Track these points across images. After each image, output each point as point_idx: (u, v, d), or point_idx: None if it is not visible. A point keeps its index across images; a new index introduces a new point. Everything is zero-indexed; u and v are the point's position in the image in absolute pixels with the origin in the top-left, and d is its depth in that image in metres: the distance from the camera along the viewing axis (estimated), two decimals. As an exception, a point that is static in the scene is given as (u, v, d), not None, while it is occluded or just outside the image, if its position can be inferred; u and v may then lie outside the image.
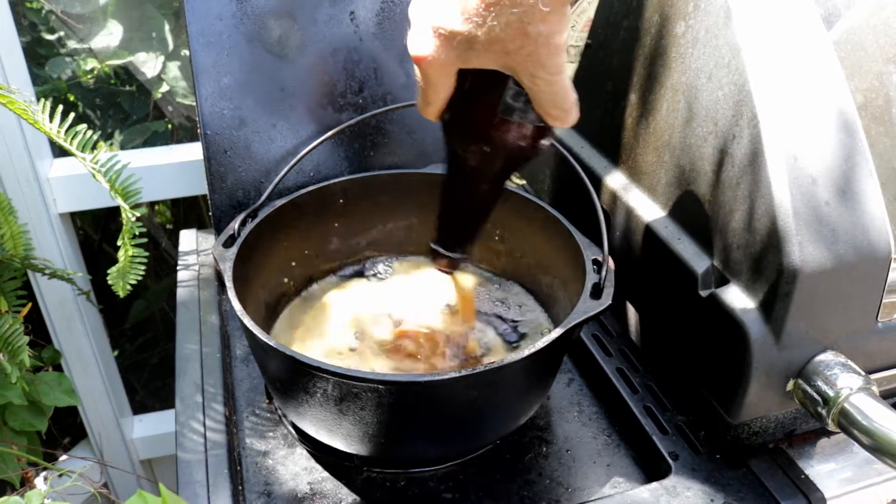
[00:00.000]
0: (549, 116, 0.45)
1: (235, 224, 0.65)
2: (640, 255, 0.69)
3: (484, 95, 0.45)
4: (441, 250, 0.57)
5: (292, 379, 0.56)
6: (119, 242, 0.74)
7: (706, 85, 0.60)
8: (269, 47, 0.80)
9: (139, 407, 1.25)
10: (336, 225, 0.77)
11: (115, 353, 1.20)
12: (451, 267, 0.58)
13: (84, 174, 0.93)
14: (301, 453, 0.63)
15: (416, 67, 0.43)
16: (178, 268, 0.84)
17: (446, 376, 0.50)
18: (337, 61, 0.81)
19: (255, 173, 0.81)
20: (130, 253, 0.74)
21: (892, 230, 0.54)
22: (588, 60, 0.80)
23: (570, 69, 0.42)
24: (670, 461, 0.60)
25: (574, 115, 0.45)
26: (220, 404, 0.65)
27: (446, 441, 0.60)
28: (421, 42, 0.40)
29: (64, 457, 1.15)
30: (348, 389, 0.51)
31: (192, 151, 0.99)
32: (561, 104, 0.44)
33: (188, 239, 0.90)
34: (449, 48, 0.40)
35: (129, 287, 0.75)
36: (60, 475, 0.87)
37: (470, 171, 0.51)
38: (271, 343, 0.52)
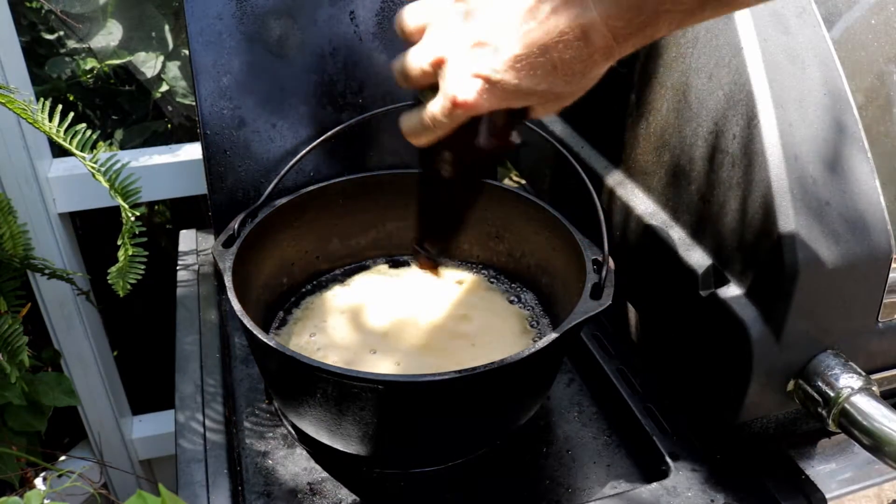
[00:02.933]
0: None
1: (235, 224, 0.65)
2: (640, 255, 0.69)
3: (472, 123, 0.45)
4: (422, 250, 0.58)
5: (292, 379, 0.56)
6: (119, 242, 0.74)
7: (706, 84, 0.60)
8: (269, 47, 0.80)
9: (139, 407, 1.25)
10: (336, 225, 0.77)
11: (115, 353, 1.19)
12: (433, 266, 0.60)
13: (84, 174, 0.93)
14: (301, 453, 0.63)
15: (440, 104, 0.42)
16: (177, 268, 0.84)
17: (446, 376, 0.50)
18: (337, 61, 0.81)
19: (254, 173, 0.81)
20: (130, 252, 0.73)
21: (893, 230, 0.54)
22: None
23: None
24: (670, 461, 0.60)
25: None
26: (220, 404, 0.65)
27: (446, 441, 0.60)
28: (465, 88, 0.40)
29: (63, 457, 1.15)
30: (348, 389, 0.51)
31: (192, 151, 0.99)
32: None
33: (188, 239, 0.90)
34: (492, 96, 0.40)
35: (128, 286, 0.75)
36: (60, 475, 0.87)
37: (446, 176, 0.51)
38: (271, 343, 0.52)
